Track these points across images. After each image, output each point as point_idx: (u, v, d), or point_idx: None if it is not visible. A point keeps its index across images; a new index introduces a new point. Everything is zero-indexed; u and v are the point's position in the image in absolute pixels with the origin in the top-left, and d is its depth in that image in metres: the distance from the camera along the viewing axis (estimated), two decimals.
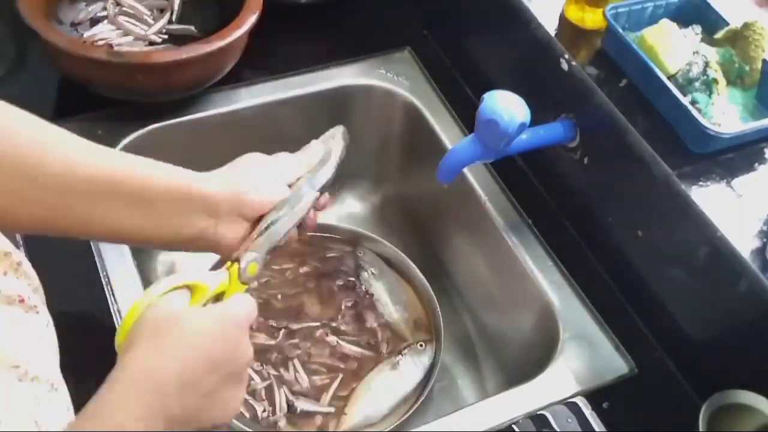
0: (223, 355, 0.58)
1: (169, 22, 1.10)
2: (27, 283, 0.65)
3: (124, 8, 1.09)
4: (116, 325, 0.82)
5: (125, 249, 0.90)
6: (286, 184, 0.73)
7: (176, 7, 1.10)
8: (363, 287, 1.04)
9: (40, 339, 0.64)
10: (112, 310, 0.85)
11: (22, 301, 0.62)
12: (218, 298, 0.66)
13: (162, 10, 1.11)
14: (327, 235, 1.09)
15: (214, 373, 0.58)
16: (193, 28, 1.10)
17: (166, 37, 1.09)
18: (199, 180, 0.69)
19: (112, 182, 0.65)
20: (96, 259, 0.89)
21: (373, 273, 1.05)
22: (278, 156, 0.76)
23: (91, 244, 0.90)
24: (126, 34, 1.07)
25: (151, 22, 1.09)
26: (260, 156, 0.75)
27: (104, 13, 1.09)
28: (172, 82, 1.01)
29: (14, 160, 0.61)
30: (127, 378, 0.55)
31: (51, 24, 1.01)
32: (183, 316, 0.59)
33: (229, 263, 0.68)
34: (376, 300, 1.03)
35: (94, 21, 1.09)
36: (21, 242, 0.86)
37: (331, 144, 0.79)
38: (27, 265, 0.66)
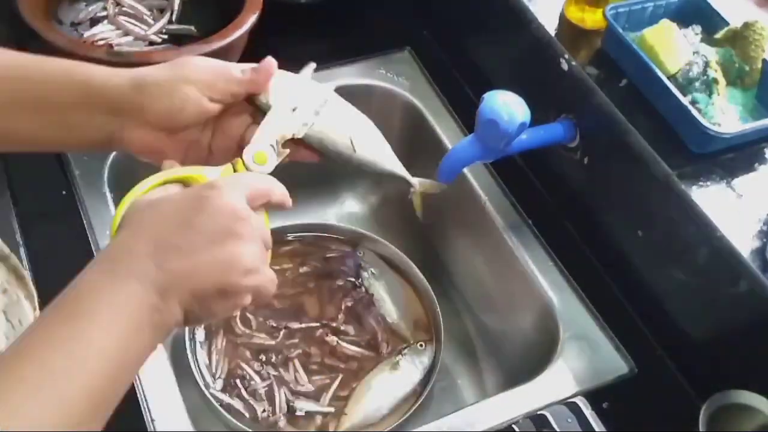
0: (195, 213, 0.53)
1: (169, 22, 1.10)
2: None
3: (124, 8, 1.09)
4: None
5: None
6: (209, 97, 0.64)
7: (176, 7, 1.10)
8: (363, 287, 1.04)
9: None
10: None
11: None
12: None
13: (162, 10, 1.11)
14: (327, 235, 1.09)
15: (190, 233, 0.52)
16: (193, 28, 1.10)
17: (165, 37, 1.09)
18: (100, 75, 0.63)
19: (21, 92, 0.62)
20: None
21: (373, 273, 1.05)
22: (227, 65, 0.67)
23: (93, 248, 0.90)
24: (126, 34, 1.07)
25: (151, 22, 1.09)
26: (204, 60, 0.66)
27: (104, 13, 1.09)
28: None
29: None
30: (104, 259, 0.52)
31: (51, 24, 1.01)
32: (160, 198, 0.55)
33: (238, 162, 0.63)
34: (377, 300, 1.03)
35: (94, 21, 1.09)
36: (21, 242, 0.86)
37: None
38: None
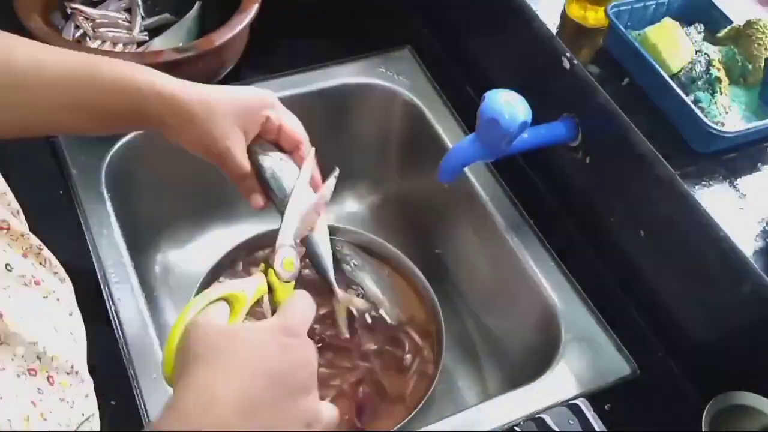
0: (282, 367, 0.53)
1: (142, 17, 1.10)
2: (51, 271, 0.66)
3: (97, 20, 1.08)
4: (118, 333, 0.83)
5: (123, 251, 0.90)
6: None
7: (139, 2, 1.10)
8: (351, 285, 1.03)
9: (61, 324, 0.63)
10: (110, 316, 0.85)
11: (38, 283, 0.62)
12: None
13: (128, 10, 1.11)
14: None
15: (277, 389, 0.52)
16: (168, 14, 1.10)
17: (146, 33, 1.09)
18: (151, 89, 0.70)
19: (74, 93, 0.68)
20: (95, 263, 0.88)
21: (355, 264, 1.04)
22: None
23: (90, 248, 0.89)
24: (115, 42, 1.07)
25: (128, 24, 1.09)
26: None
27: (81, 32, 1.09)
28: None
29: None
30: (182, 412, 0.49)
31: (50, 29, 1.01)
32: (232, 331, 0.55)
33: (262, 266, 0.65)
34: (366, 292, 1.02)
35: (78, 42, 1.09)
36: None
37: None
38: (48, 253, 0.66)
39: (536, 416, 0.81)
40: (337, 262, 1.04)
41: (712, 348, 0.87)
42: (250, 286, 0.61)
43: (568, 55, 0.94)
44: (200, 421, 0.49)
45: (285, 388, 0.52)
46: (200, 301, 0.58)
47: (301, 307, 0.59)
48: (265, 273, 0.65)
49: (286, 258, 0.66)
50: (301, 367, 0.54)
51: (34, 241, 0.65)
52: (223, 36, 0.99)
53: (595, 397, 0.84)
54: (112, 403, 0.78)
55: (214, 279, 0.97)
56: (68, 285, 0.69)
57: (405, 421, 0.88)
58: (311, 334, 0.97)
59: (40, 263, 0.65)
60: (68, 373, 0.62)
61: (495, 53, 1.10)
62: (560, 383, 0.85)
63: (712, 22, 0.95)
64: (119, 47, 1.08)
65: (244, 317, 0.59)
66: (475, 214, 1.03)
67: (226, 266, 0.98)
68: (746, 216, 0.82)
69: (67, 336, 0.65)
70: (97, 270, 0.87)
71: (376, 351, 0.99)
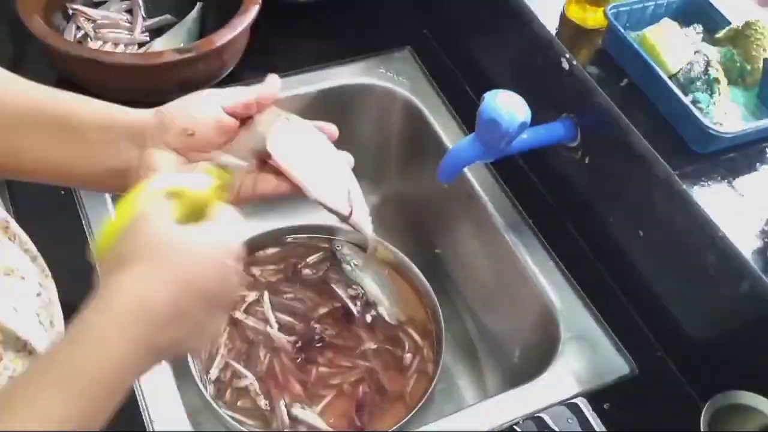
0: (215, 286, 0.54)
1: (143, 18, 1.10)
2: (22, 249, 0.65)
3: (98, 21, 1.09)
4: None
5: None
6: (221, 106, 0.65)
7: (140, 2, 1.10)
8: (357, 286, 1.03)
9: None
10: None
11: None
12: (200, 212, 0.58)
13: (130, 11, 1.11)
14: (328, 236, 1.08)
15: (204, 304, 0.54)
16: (168, 15, 1.10)
17: (146, 34, 1.09)
18: (123, 109, 0.66)
19: (36, 110, 0.64)
20: None
21: (355, 264, 1.04)
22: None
23: (89, 248, 0.90)
24: (116, 43, 1.07)
25: (129, 24, 1.09)
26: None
27: (82, 32, 1.09)
28: (174, 82, 1.00)
29: None
30: (116, 304, 0.51)
31: (51, 29, 1.01)
32: (176, 236, 0.54)
33: (208, 166, 0.61)
34: (367, 293, 1.02)
35: (80, 42, 1.09)
36: None
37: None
38: (17, 228, 0.65)
39: (535, 415, 0.81)
40: (337, 262, 1.05)
41: (711, 347, 0.87)
42: (200, 185, 0.58)
43: (567, 55, 0.94)
44: (131, 317, 0.51)
45: (210, 305, 0.55)
46: (155, 186, 0.56)
47: (238, 224, 0.58)
48: (213, 174, 0.60)
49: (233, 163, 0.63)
50: (230, 288, 0.57)
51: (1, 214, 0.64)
52: (224, 37, 1.00)
53: (594, 397, 0.84)
54: None
55: None
56: (41, 264, 0.68)
57: (405, 420, 0.89)
58: (311, 332, 0.98)
59: (9, 239, 0.64)
60: (19, 351, 0.61)
61: (495, 54, 1.11)
62: (559, 382, 0.85)
63: (711, 22, 0.95)
64: (120, 48, 1.08)
65: (188, 215, 0.57)
66: (475, 214, 1.03)
67: None
68: (744, 216, 0.82)
69: (30, 316, 0.63)
70: (97, 269, 0.87)
71: (376, 350, 0.99)
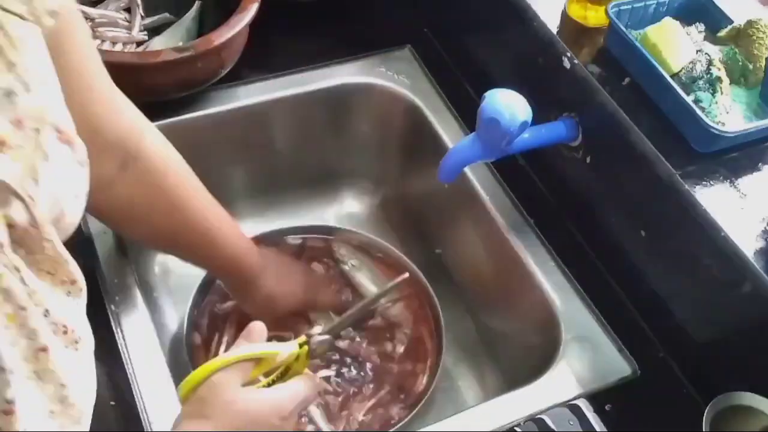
0: None
1: (141, 17, 1.10)
2: None
3: (96, 20, 1.08)
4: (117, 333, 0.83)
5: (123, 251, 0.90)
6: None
7: (139, 1, 1.10)
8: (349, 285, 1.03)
9: None
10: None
11: None
12: (285, 370, 0.69)
13: (128, 9, 1.11)
14: (327, 236, 1.07)
15: None
16: (167, 14, 1.10)
17: (145, 32, 1.09)
18: (249, 265, 0.89)
19: (190, 225, 0.82)
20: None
21: (353, 264, 1.04)
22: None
23: (90, 248, 0.89)
24: (114, 42, 1.07)
25: (127, 23, 1.09)
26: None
27: None
28: (172, 80, 1.00)
29: (165, 192, 0.79)
30: None
31: None
32: (235, 398, 0.64)
33: (301, 339, 0.70)
34: (365, 292, 1.02)
35: None
36: None
37: None
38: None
39: (536, 417, 0.81)
40: (336, 262, 1.05)
41: (713, 348, 0.86)
42: (284, 349, 0.68)
43: (568, 54, 0.94)
44: None
45: None
46: (237, 352, 0.66)
47: (305, 392, 0.68)
48: (300, 346, 0.69)
49: (323, 345, 0.71)
50: None
51: None
52: (223, 35, 0.99)
53: (595, 398, 0.84)
54: (112, 403, 0.78)
55: (214, 279, 0.97)
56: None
57: (405, 420, 0.88)
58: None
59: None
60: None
61: (495, 53, 1.10)
62: (560, 383, 0.85)
63: (713, 21, 0.94)
64: (118, 46, 1.07)
65: (266, 376, 0.68)
66: (475, 214, 1.03)
67: None
68: (747, 216, 0.82)
69: None
70: (96, 270, 0.87)
71: (376, 351, 0.99)
